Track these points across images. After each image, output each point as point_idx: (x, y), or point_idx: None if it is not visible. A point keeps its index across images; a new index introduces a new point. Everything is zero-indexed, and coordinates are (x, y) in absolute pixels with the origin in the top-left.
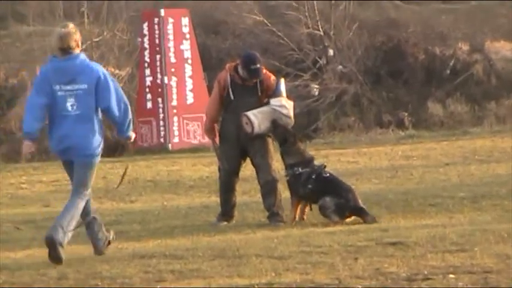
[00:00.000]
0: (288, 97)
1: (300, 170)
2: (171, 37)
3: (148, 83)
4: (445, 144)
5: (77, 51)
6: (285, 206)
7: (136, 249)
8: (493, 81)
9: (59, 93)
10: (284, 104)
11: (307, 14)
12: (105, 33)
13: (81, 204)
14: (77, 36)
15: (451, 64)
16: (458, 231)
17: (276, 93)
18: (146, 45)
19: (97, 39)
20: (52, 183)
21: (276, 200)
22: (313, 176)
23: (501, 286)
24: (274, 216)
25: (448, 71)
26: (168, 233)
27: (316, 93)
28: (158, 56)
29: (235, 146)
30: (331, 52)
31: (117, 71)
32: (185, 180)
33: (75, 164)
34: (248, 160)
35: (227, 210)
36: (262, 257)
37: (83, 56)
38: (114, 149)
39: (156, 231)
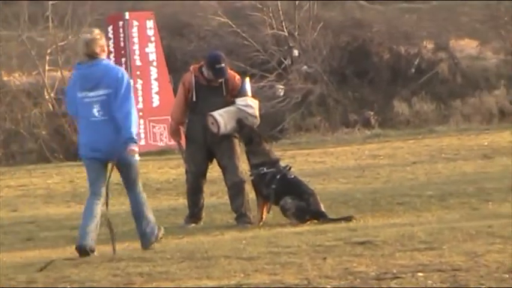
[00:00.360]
0: (254, 96)
1: (265, 170)
2: (136, 40)
3: None
4: (412, 142)
5: (102, 56)
6: (252, 207)
7: (104, 253)
8: (458, 79)
9: (86, 100)
10: (250, 104)
11: (271, 14)
12: (70, 37)
13: (143, 196)
14: (102, 42)
15: (416, 63)
16: (427, 230)
17: (241, 92)
18: (111, 48)
19: (62, 43)
20: (19, 187)
21: (244, 201)
22: (278, 177)
23: (470, 284)
24: (242, 218)
25: (413, 70)
26: (136, 235)
27: (282, 93)
28: (123, 59)
29: (201, 147)
30: (296, 53)
31: None
32: (152, 183)
33: (119, 167)
34: (215, 161)
35: (195, 212)
36: (231, 259)
37: (106, 61)
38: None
39: (124, 235)
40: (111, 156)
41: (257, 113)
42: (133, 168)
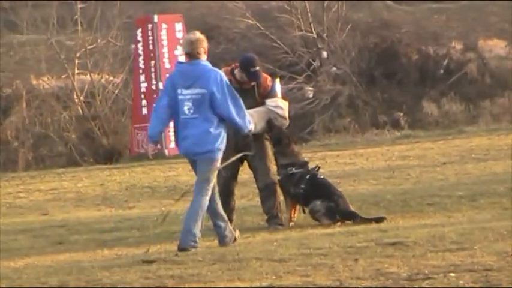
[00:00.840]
0: (283, 97)
1: (294, 170)
2: (165, 43)
3: (143, 89)
4: (442, 143)
5: (203, 58)
6: (283, 209)
7: (136, 256)
8: (487, 79)
9: (180, 97)
10: (279, 105)
11: (299, 16)
12: (98, 41)
13: (205, 201)
14: (205, 44)
15: (445, 63)
16: (458, 230)
17: (271, 93)
18: (140, 51)
19: (91, 47)
20: (50, 191)
21: (276, 203)
22: (307, 177)
23: (502, 284)
24: (273, 220)
25: (442, 71)
26: (167, 238)
27: (311, 95)
28: (153, 62)
29: (233, 150)
30: (324, 54)
31: (111, 78)
32: (182, 186)
33: (197, 163)
34: (245, 164)
35: (226, 214)
36: (262, 260)
37: (205, 63)
38: (111, 155)
39: (156, 237)
40: (198, 155)
41: (286, 114)
42: (211, 166)
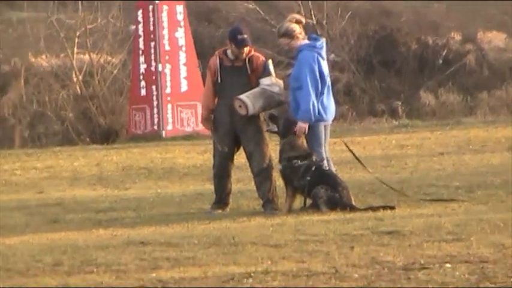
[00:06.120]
0: (277, 76)
1: (299, 162)
2: (165, 24)
3: (142, 70)
4: (439, 133)
5: None
6: (279, 194)
7: (131, 236)
8: (485, 71)
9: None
10: (274, 82)
11: (300, 2)
12: (99, 20)
13: None
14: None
15: (444, 54)
16: (454, 221)
17: (265, 73)
18: (140, 32)
19: (91, 26)
20: (46, 169)
21: (271, 188)
22: (313, 169)
23: (498, 276)
24: (269, 204)
25: (441, 61)
26: (162, 220)
27: None
28: (152, 44)
29: (229, 131)
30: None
31: (110, 58)
32: (179, 168)
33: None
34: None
35: (222, 197)
36: (258, 245)
37: None
38: (108, 135)
39: (151, 219)
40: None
41: (282, 91)
42: None
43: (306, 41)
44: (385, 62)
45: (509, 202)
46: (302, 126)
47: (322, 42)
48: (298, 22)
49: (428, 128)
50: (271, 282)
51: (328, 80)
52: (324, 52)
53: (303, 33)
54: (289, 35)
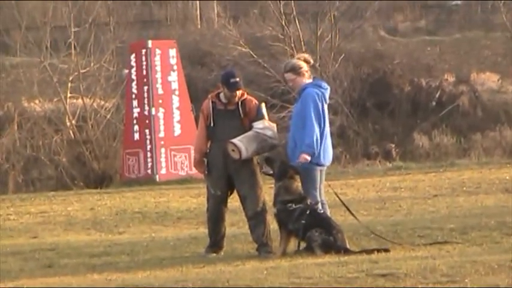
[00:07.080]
0: (271, 120)
1: (294, 206)
2: (158, 68)
3: (135, 114)
4: (433, 175)
5: None
6: (273, 237)
7: (125, 281)
8: (478, 113)
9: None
10: (267, 126)
11: (293, 45)
12: (92, 65)
13: None
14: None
15: (437, 96)
16: (449, 263)
17: (258, 116)
18: (133, 76)
19: (84, 71)
20: (40, 214)
21: (265, 231)
22: (308, 212)
23: None
24: (263, 247)
25: (434, 103)
26: (157, 264)
27: None
28: (146, 88)
29: (222, 175)
30: None
31: (103, 103)
32: (173, 212)
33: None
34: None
35: (216, 240)
36: None
37: None
38: (102, 180)
39: (145, 263)
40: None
41: (276, 135)
42: None
43: (311, 80)
44: (379, 105)
45: (503, 244)
46: (305, 157)
47: (327, 86)
48: (306, 61)
49: (422, 170)
50: None
51: (327, 124)
52: (327, 95)
53: (309, 72)
54: (296, 71)
